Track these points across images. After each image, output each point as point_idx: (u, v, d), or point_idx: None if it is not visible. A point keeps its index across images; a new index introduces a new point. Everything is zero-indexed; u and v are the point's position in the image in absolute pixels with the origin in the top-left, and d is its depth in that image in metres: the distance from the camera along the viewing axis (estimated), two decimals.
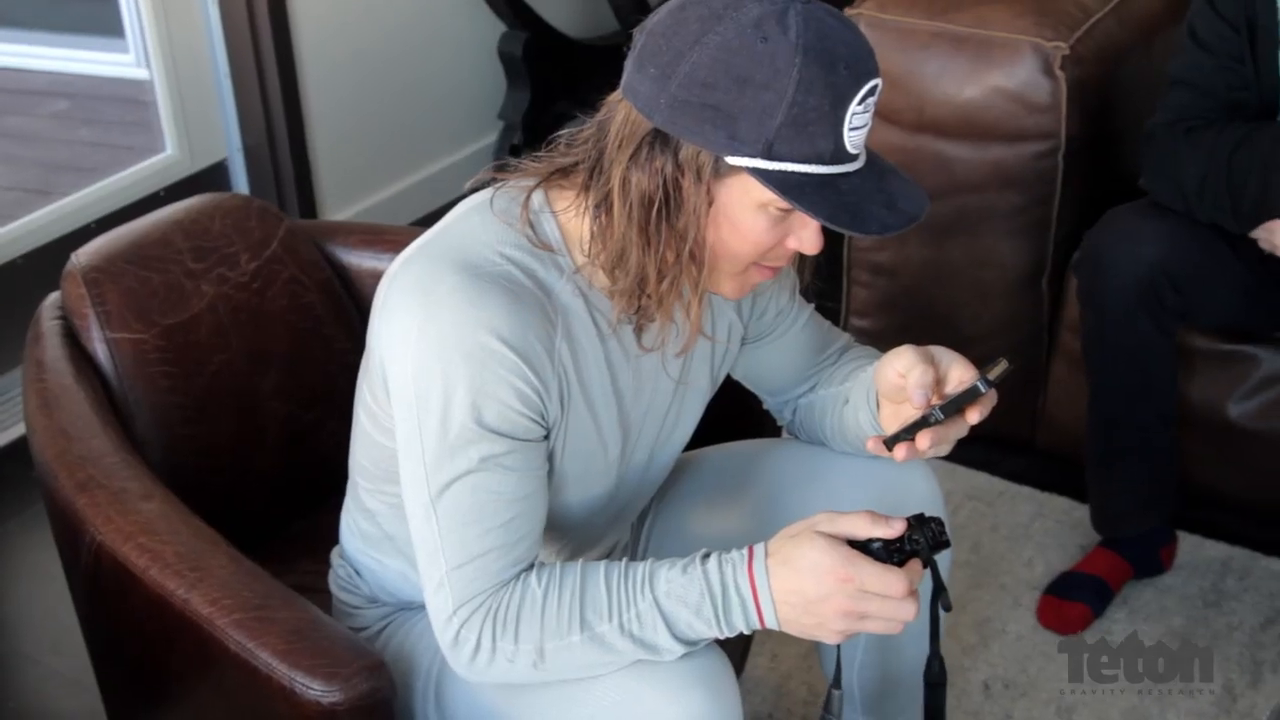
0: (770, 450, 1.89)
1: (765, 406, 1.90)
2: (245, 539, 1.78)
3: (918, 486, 1.78)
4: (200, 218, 2.03)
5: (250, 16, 3.28)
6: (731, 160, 1.40)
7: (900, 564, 1.46)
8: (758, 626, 1.49)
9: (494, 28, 3.88)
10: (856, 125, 1.40)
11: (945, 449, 1.58)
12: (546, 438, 1.53)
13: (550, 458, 1.56)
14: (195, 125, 3.35)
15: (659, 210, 1.44)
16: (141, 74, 3.36)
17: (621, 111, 1.45)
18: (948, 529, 1.51)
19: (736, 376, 1.82)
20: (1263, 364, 2.52)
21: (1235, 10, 2.28)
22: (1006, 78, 2.61)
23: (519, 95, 3.95)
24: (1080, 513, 2.68)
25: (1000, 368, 1.52)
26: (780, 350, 1.79)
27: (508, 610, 1.49)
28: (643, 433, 1.66)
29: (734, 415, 1.92)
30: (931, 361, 1.57)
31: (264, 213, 2.08)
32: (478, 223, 1.53)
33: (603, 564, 1.51)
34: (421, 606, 1.65)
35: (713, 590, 1.47)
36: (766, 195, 1.42)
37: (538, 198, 1.54)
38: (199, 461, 1.96)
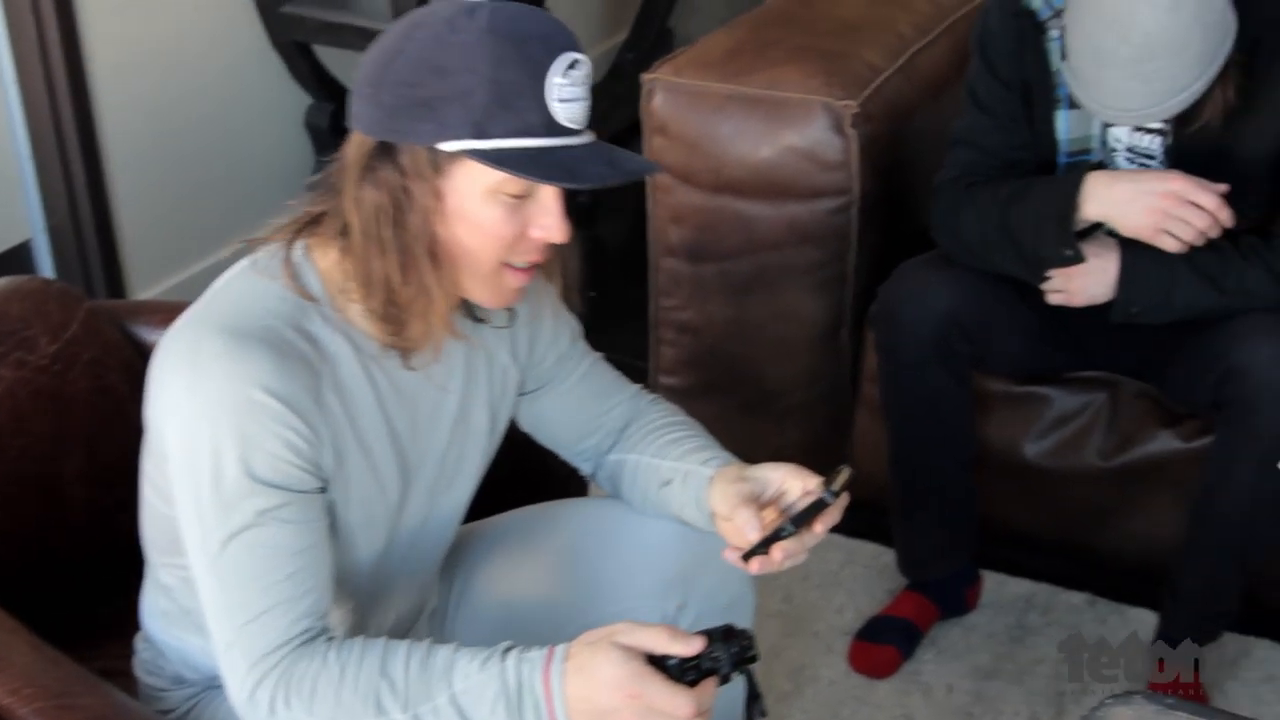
0: (578, 509, 1.90)
1: (563, 458, 1.91)
2: (50, 625, 1.75)
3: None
4: None
5: (51, 96, 3.23)
6: (445, 147, 1.46)
7: (694, 682, 1.46)
8: None
9: (300, 100, 3.88)
10: (565, 97, 1.46)
11: (802, 558, 1.61)
12: (324, 490, 1.55)
13: (333, 509, 1.57)
14: None
15: (392, 217, 1.49)
16: None
17: (350, 142, 1.52)
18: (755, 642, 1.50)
19: (524, 429, 1.85)
20: (1054, 404, 2.60)
21: (1010, 72, 2.35)
22: (799, 137, 2.67)
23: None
24: (888, 558, 2.74)
25: (843, 475, 1.58)
26: (562, 398, 1.82)
27: (303, 678, 1.50)
28: (421, 472, 1.67)
29: (535, 479, 1.95)
30: (753, 499, 1.63)
31: (63, 295, 2.06)
32: (242, 285, 1.56)
33: (405, 646, 1.52)
34: None
35: (509, 689, 1.47)
36: (492, 179, 1.47)
37: (298, 251, 1.57)
38: None
